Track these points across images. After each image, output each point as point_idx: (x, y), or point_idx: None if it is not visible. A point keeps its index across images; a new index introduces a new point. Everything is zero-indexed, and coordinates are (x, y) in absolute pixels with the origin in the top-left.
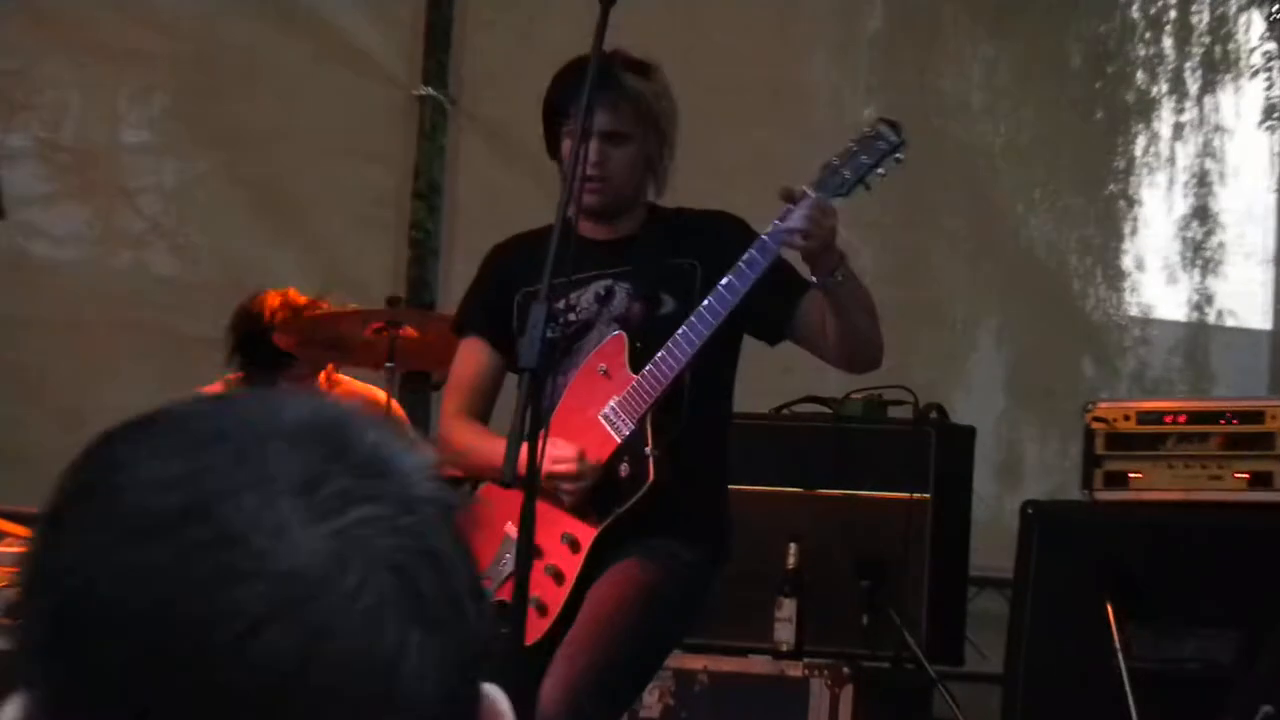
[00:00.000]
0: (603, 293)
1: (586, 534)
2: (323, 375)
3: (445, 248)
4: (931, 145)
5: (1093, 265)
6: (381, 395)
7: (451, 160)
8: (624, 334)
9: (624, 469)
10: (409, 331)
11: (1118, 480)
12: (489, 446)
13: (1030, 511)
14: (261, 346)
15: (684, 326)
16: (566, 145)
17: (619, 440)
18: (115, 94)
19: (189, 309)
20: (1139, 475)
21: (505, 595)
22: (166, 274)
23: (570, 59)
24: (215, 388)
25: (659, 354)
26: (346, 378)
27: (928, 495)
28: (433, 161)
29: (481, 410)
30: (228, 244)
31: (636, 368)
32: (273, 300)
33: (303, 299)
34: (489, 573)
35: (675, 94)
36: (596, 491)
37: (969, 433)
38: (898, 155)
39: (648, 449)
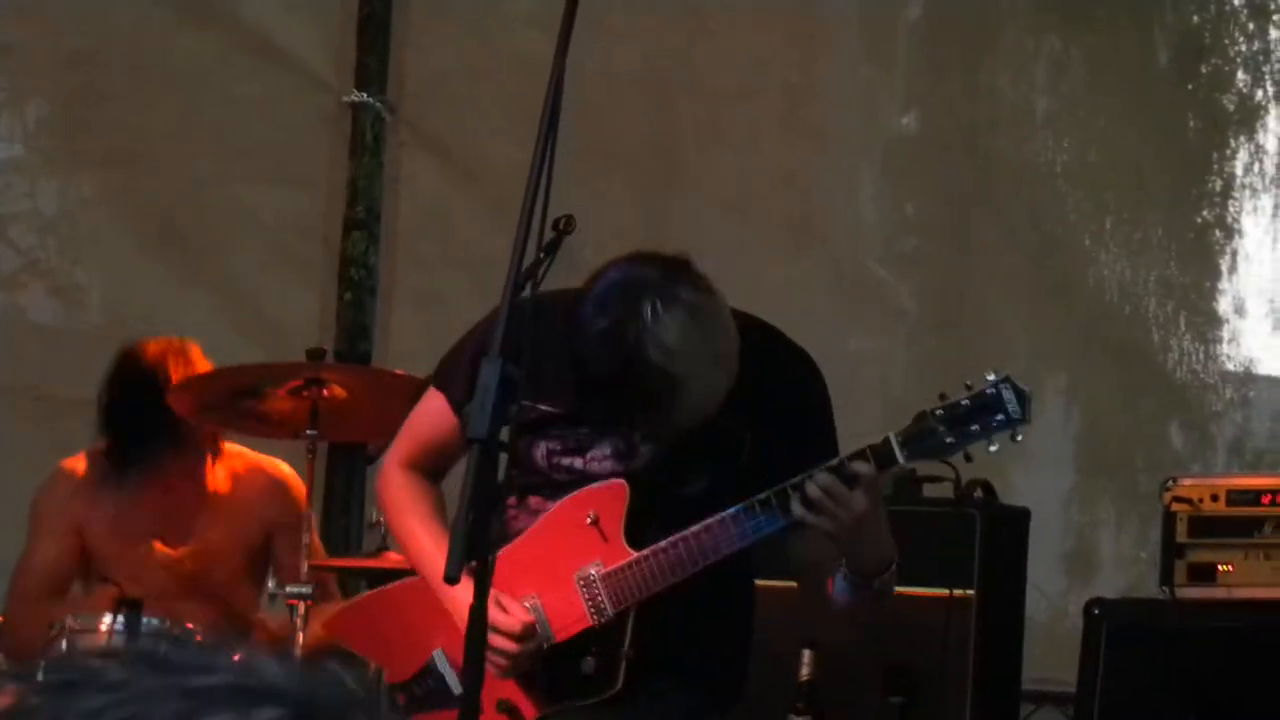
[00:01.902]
0: (624, 449)
1: (530, 710)
2: (211, 459)
3: (385, 287)
4: (983, 163)
5: (1177, 311)
6: (285, 470)
7: (392, 181)
8: (625, 485)
9: (589, 663)
10: (336, 391)
11: (1204, 574)
12: (422, 538)
13: (1096, 612)
14: (141, 409)
15: (706, 530)
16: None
17: (592, 623)
18: None
19: (70, 365)
20: (1229, 568)
21: None
22: (43, 321)
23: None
24: (78, 460)
25: (667, 544)
26: (242, 449)
27: (971, 591)
28: (371, 183)
29: (435, 469)
30: (119, 285)
31: (633, 537)
32: (154, 349)
33: (192, 348)
34: (404, 686)
35: (672, 104)
36: (551, 666)
37: (1023, 515)
38: (1017, 435)
39: (624, 649)
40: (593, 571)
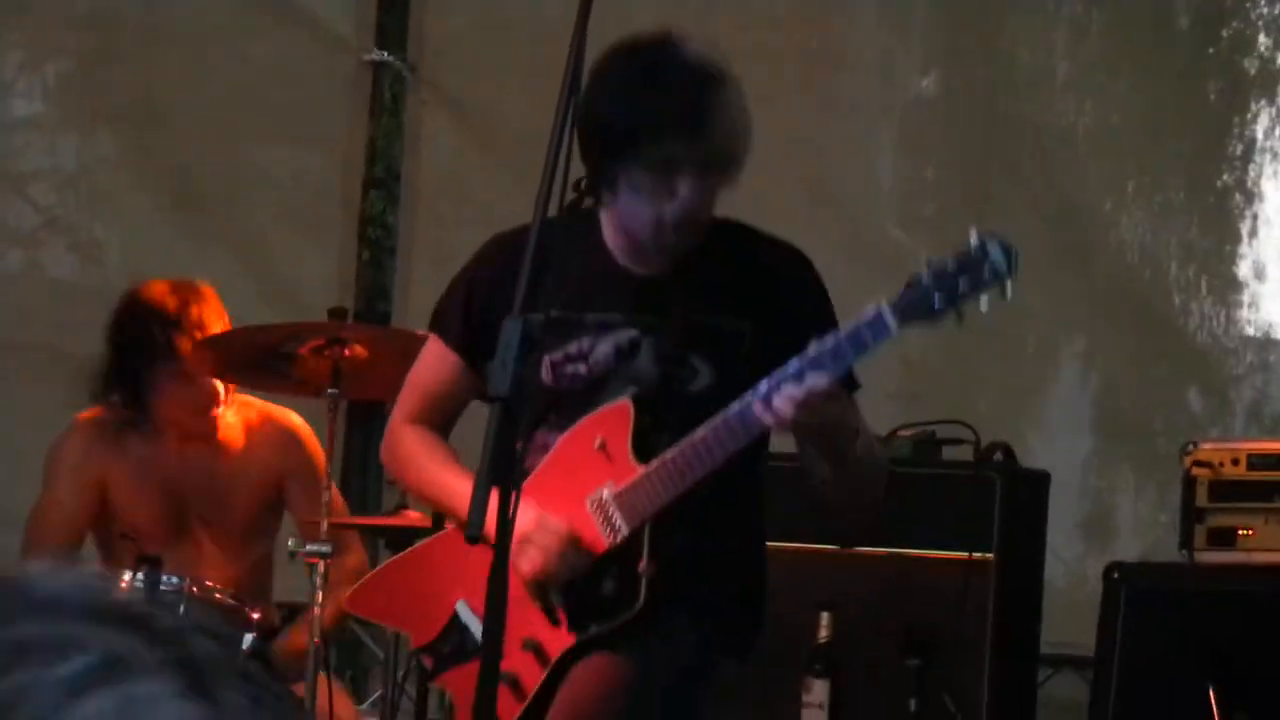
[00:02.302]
0: (625, 347)
1: (554, 645)
2: (221, 399)
3: (405, 247)
4: (1003, 126)
5: (1198, 274)
6: (295, 420)
7: (412, 141)
8: (630, 405)
9: (608, 585)
10: (357, 351)
11: (1224, 538)
12: (446, 482)
13: (1116, 576)
14: (147, 342)
15: (715, 426)
16: (647, 181)
17: (607, 544)
18: None
19: (88, 322)
20: (1249, 532)
21: (448, 684)
22: (63, 278)
23: (623, 42)
24: (96, 413)
25: (673, 452)
26: (252, 399)
27: (991, 555)
28: (390, 143)
29: (440, 423)
30: (137, 242)
31: (642, 451)
32: (159, 286)
33: (199, 287)
34: (429, 647)
35: None
36: (570, 592)
37: (1043, 479)
38: (1006, 289)
39: (641, 565)
40: (605, 493)
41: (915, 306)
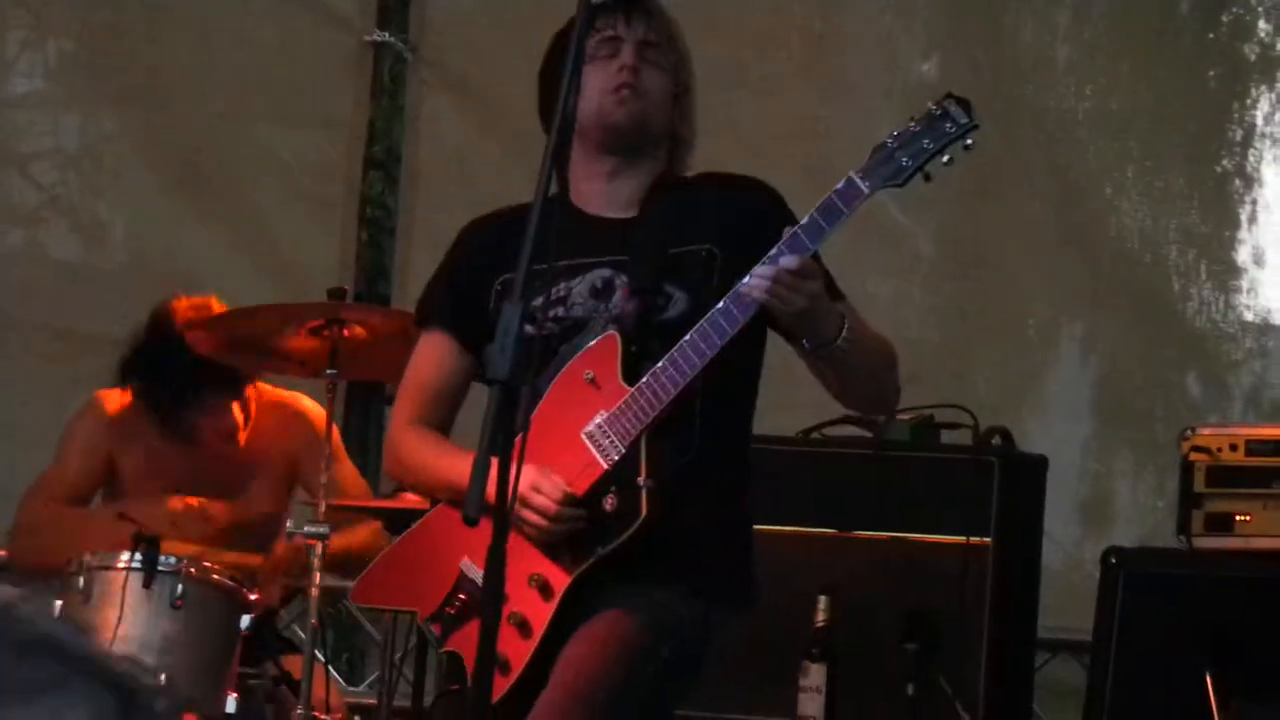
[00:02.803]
0: (599, 285)
1: (560, 578)
2: (244, 426)
3: (405, 228)
4: (1003, 110)
5: (1197, 260)
6: (308, 403)
7: (412, 122)
8: (616, 335)
9: (610, 501)
10: (356, 331)
11: (1221, 523)
12: (448, 464)
13: (1113, 560)
14: (173, 373)
15: (692, 334)
16: (596, 68)
17: (605, 466)
18: (0, 36)
19: (92, 302)
20: (1247, 518)
21: (457, 646)
22: (65, 258)
23: (563, 21)
24: (117, 394)
25: (659, 364)
26: (262, 385)
27: (989, 539)
28: (391, 123)
29: (441, 419)
30: (140, 222)
31: (631, 378)
32: (184, 313)
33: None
34: (436, 614)
35: (694, 48)
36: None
37: (1041, 463)
38: (967, 141)
39: (640, 479)
40: (598, 421)
41: (882, 168)
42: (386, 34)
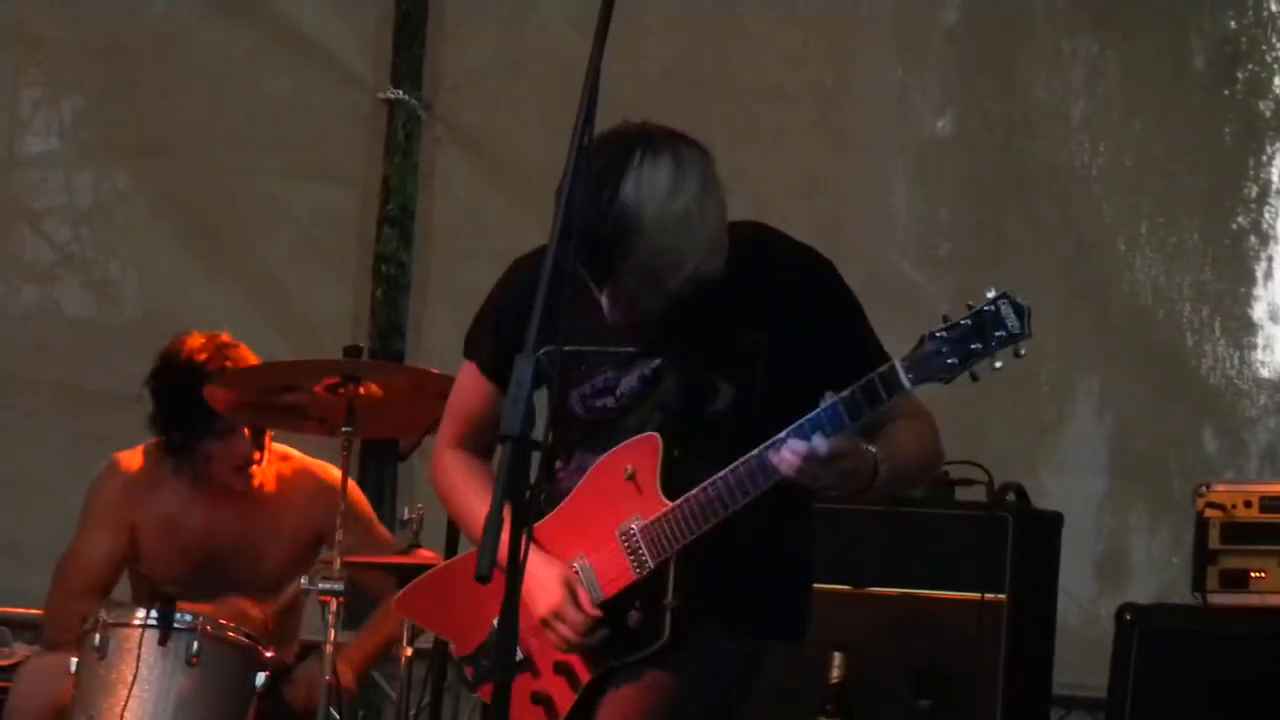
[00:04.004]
0: (649, 375)
1: (584, 672)
2: (258, 457)
3: (419, 284)
4: (1016, 166)
5: (1211, 316)
6: (336, 474)
7: (426, 178)
8: (659, 438)
9: (634, 616)
10: (371, 389)
11: (1236, 580)
12: (478, 513)
13: (1128, 617)
14: (184, 400)
15: (733, 472)
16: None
17: (634, 577)
18: (14, 94)
19: (104, 358)
20: (1261, 575)
21: (487, 695)
22: (79, 314)
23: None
24: (134, 455)
25: (698, 491)
26: (291, 451)
27: (1003, 596)
28: (405, 180)
29: (483, 445)
30: (153, 278)
31: (670, 484)
32: (194, 342)
33: (236, 344)
34: (470, 659)
35: (708, 102)
36: (602, 624)
37: (1055, 520)
38: (1019, 350)
39: (667, 599)
40: (633, 526)
41: (928, 364)
42: (400, 91)
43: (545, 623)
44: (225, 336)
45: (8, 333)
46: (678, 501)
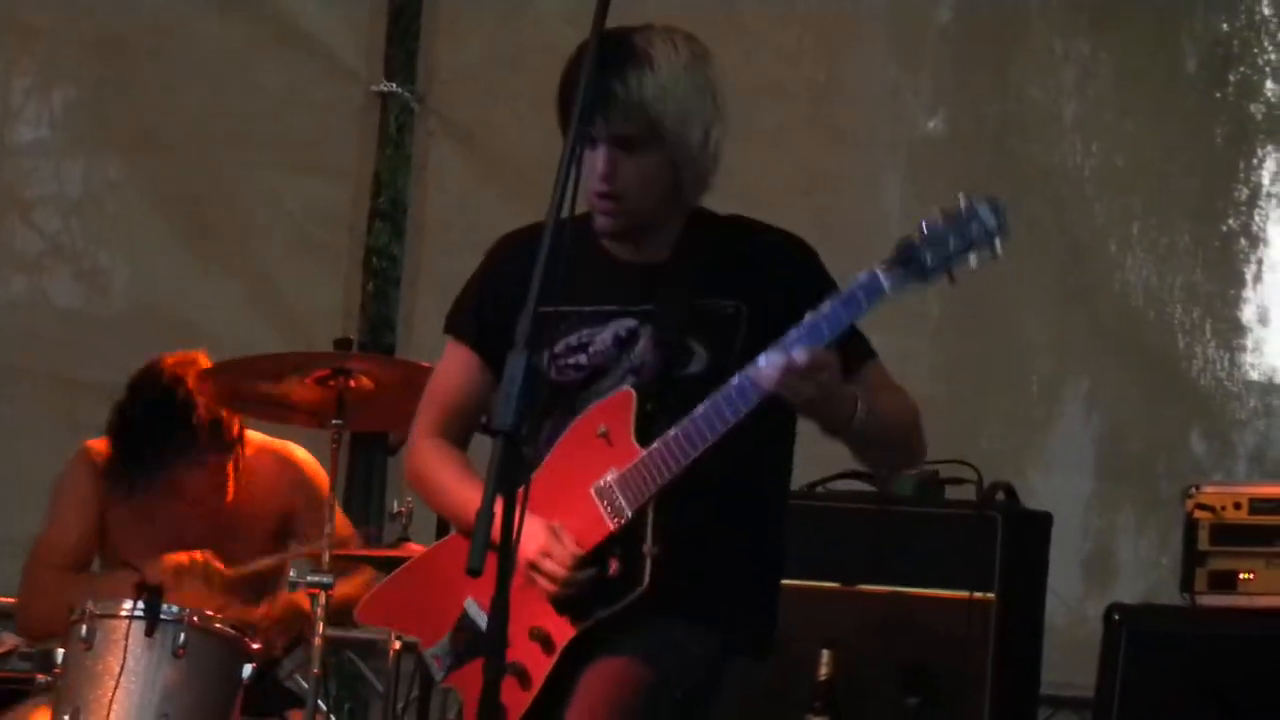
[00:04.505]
0: (623, 334)
1: (562, 632)
2: (232, 479)
3: (409, 278)
4: (1009, 166)
5: (1202, 318)
6: (299, 455)
7: (419, 171)
8: (632, 392)
9: (614, 565)
10: (362, 382)
11: (1224, 581)
12: (466, 498)
13: (1116, 617)
14: (154, 422)
15: (705, 406)
16: (587, 157)
17: (612, 527)
18: (6, 83)
19: (94, 349)
20: (1250, 576)
21: (456, 683)
22: (68, 305)
23: (580, 43)
24: (103, 444)
25: (674, 430)
26: (251, 434)
27: (992, 595)
28: (396, 173)
29: (461, 431)
30: (143, 269)
31: (645, 437)
32: (171, 361)
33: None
34: (437, 649)
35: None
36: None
37: (1045, 520)
38: (996, 246)
39: (645, 546)
40: (608, 479)
41: (907, 265)
42: (393, 84)
43: (533, 566)
44: (201, 357)
45: None
46: (653, 445)
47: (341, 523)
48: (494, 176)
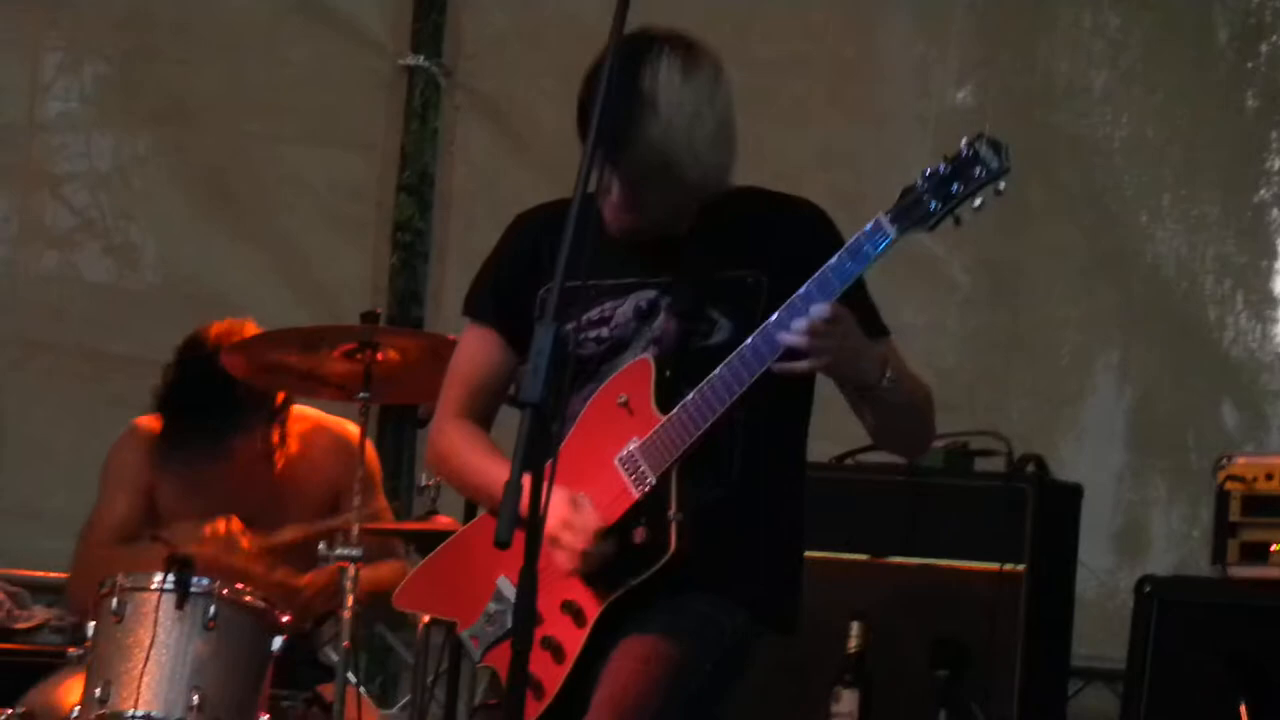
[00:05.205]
0: (644, 307)
1: (592, 605)
2: (281, 447)
3: (437, 251)
4: (1038, 138)
5: (1234, 289)
6: (352, 430)
7: (446, 145)
8: (650, 360)
9: (640, 533)
10: (390, 355)
11: (1256, 553)
12: (493, 475)
13: (1148, 589)
14: (201, 390)
15: (723, 368)
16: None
17: (636, 495)
18: (36, 58)
19: (123, 323)
20: None
21: (494, 661)
22: (98, 280)
23: (597, 43)
24: (154, 420)
25: (693, 395)
26: (307, 410)
27: (1022, 567)
28: (423, 147)
29: (485, 411)
30: (172, 243)
31: (665, 405)
32: (217, 329)
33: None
34: (474, 629)
35: (726, 72)
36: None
37: (1075, 491)
38: (999, 186)
39: (670, 512)
40: (631, 448)
41: (911, 211)
42: (420, 58)
43: (554, 539)
44: (250, 325)
45: (28, 297)
46: (673, 411)
47: (386, 515)
48: (520, 150)
